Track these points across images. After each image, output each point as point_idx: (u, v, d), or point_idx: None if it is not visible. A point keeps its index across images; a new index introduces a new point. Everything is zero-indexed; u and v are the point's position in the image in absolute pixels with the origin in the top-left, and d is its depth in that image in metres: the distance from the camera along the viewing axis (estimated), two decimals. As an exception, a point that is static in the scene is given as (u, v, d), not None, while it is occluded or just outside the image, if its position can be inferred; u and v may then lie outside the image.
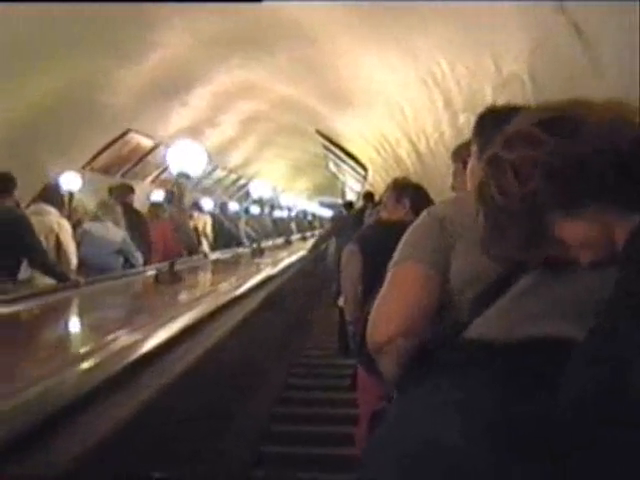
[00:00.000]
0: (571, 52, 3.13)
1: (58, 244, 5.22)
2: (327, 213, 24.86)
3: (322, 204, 25.49)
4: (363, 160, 13.11)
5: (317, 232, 18.29)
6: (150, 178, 13.72)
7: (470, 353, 1.40)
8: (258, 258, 7.08)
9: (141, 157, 12.66)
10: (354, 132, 10.75)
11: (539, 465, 1.17)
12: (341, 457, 4.05)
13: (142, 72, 9.63)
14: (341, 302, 4.16)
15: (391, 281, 1.60)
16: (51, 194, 5.59)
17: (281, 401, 5.33)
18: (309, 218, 21.37)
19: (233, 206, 15.17)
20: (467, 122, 5.11)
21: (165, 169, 13.80)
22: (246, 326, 3.74)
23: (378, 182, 13.44)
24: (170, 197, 9.06)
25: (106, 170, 11.99)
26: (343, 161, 14.65)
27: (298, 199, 17.63)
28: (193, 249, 7.88)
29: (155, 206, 7.92)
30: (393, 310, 1.54)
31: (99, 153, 11.43)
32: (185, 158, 5.02)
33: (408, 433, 1.35)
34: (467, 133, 2.04)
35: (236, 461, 3.72)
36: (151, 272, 4.95)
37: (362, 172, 14.28)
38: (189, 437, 2.68)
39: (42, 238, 4.95)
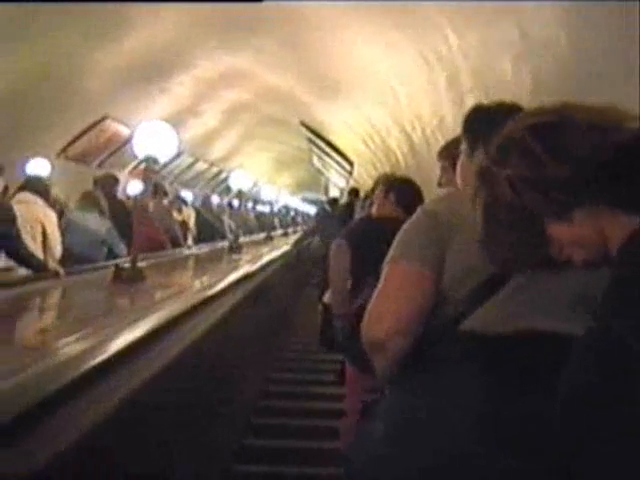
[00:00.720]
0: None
1: (44, 234, 5.08)
2: (310, 209, 24.17)
3: (305, 200, 24.75)
4: (349, 154, 12.39)
5: (299, 228, 17.80)
6: (128, 169, 12.93)
7: (463, 346, 1.43)
8: (236, 254, 6.38)
9: (118, 146, 11.87)
10: (341, 123, 10.01)
11: (523, 461, 1.28)
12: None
13: (119, 54, 8.91)
14: (326, 298, 4.10)
15: (386, 279, 1.57)
16: (36, 184, 5.39)
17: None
18: (292, 214, 20.60)
19: (216, 200, 14.47)
20: (475, 104, 4.40)
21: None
22: (206, 342, 3.01)
23: (364, 177, 12.72)
24: (153, 189, 8.47)
25: (81, 159, 11.20)
26: (328, 155, 13.92)
27: (281, 194, 16.86)
28: (176, 242, 7.58)
29: (139, 198, 7.34)
30: (388, 309, 1.52)
31: (74, 140, 10.65)
32: (153, 140, 4.26)
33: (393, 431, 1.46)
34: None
35: None
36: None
37: (347, 167, 13.56)
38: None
39: (28, 228, 4.82)
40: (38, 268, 4.51)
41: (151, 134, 4.27)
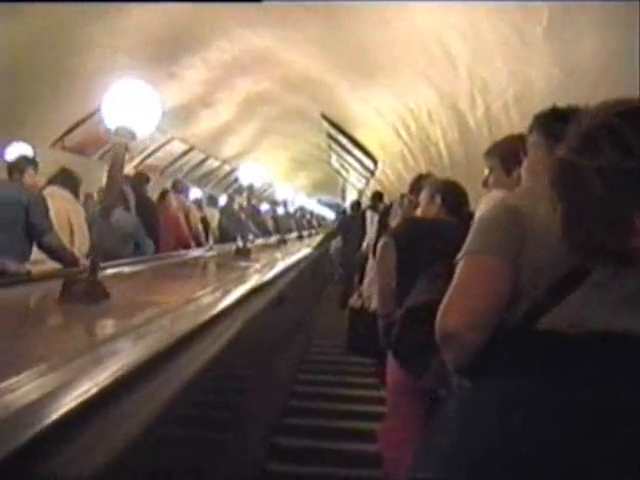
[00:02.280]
0: None
1: (71, 228, 4.97)
2: (325, 212, 22.83)
3: (320, 202, 23.27)
4: (374, 150, 10.92)
5: (314, 231, 16.69)
6: (134, 163, 11.54)
7: (539, 345, 1.37)
8: (243, 261, 5.00)
9: (122, 137, 10.50)
10: (370, 112, 8.43)
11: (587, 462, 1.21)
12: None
13: (121, 31, 7.57)
14: (352, 302, 4.00)
15: (462, 272, 1.50)
16: (65, 177, 5.27)
17: None
18: (307, 216, 19.15)
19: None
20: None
21: (153, 152, 11.68)
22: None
23: (390, 178, 11.26)
24: (178, 187, 8.19)
25: (81, 150, 9.80)
26: (349, 152, 12.43)
27: (297, 195, 15.54)
28: (199, 241, 7.44)
29: (164, 195, 7.35)
30: (462, 302, 1.46)
31: (70, 130, 9.26)
32: (129, 106, 2.81)
33: (473, 430, 1.37)
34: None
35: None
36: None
37: (370, 165, 12.08)
38: None
39: (55, 221, 4.60)
40: (70, 262, 4.31)
41: (126, 98, 2.83)
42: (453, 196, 3.40)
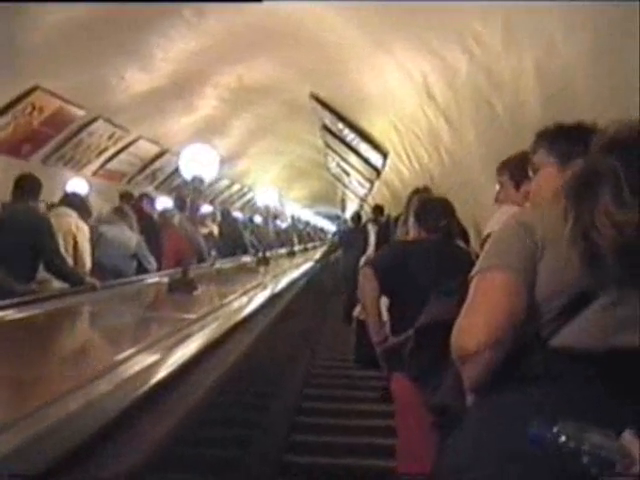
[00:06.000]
0: None
1: (75, 246, 4.79)
2: (323, 223, 20.38)
3: (319, 214, 20.72)
4: (383, 137, 8.16)
5: (310, 245, 14.88)
6: (92, 167, 8.81)
7: (553, 363, 1.32)
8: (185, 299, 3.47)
9: (73, 133, 7.75)
10: (390, 71, 5.64)
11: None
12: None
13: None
14: (356, 313, 3.89)
15: (478, 289, 1.40)
16: (72, 199, 5.14)
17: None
18: (307, 229, 16.49)
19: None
20: None
21: (115, 155, 9.00)
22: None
23: (403, 175, 8.56)
24: (179, 204, 7.36)
25: (10, 149, 7.10)
26: (349, 147, 9.64)
27: (288, 205, 12.98)
28: (201, 256, 6.89)
29: (165, 213, 7.00)
30: (481, 320, 1.36)
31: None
32: None
33: (499, 437, 1.29)
34: None
35: None
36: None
37: (377, 162, 9.31)
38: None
39: (60, 239, 4.53)
40: (76, 282, 4.19)
41: None
42: (426, 214, 3.26)
